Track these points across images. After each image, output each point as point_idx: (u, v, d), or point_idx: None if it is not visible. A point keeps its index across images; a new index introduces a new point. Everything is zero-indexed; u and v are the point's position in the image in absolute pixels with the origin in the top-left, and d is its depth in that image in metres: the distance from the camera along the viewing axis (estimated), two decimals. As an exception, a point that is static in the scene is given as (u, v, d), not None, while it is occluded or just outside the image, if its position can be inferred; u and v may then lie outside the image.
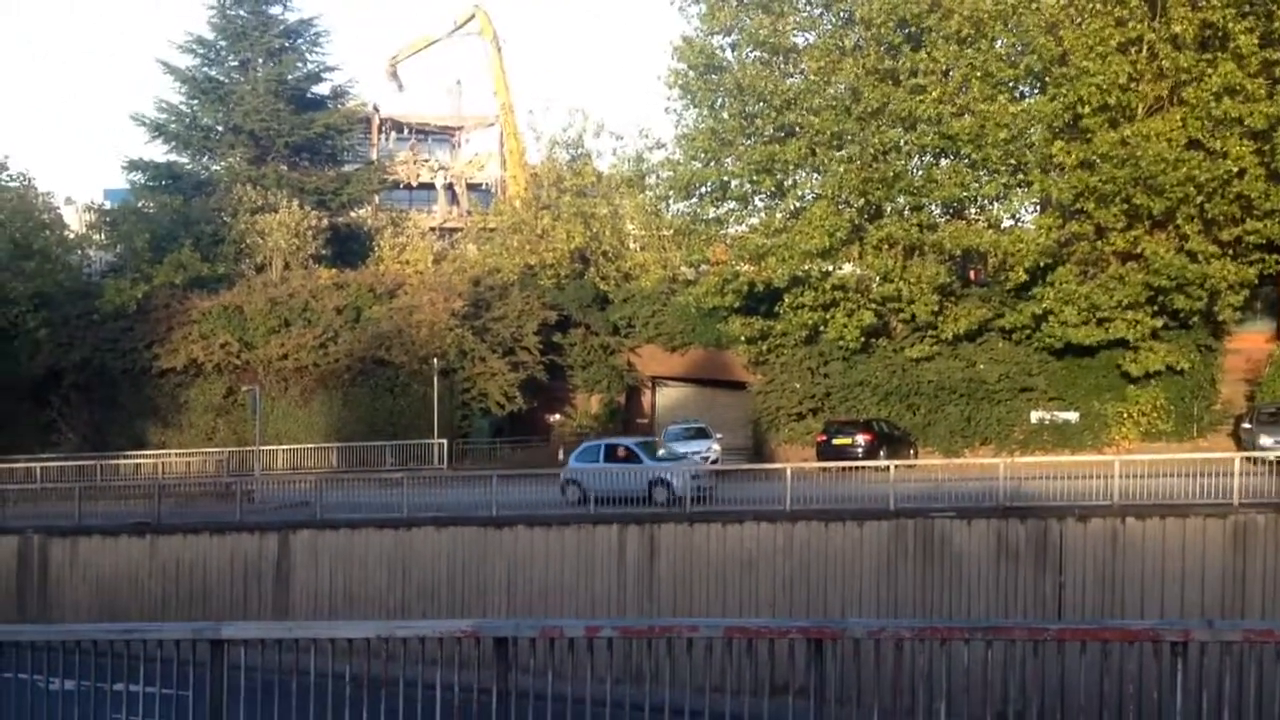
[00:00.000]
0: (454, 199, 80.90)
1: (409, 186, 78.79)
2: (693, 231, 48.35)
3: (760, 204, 47.68)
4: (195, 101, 63.86)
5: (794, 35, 46.05)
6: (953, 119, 41.95)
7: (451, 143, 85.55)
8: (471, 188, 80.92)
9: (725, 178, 46.57)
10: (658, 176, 49.68)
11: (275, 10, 63.73)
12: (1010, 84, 42.81)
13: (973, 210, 45.17)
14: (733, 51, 47.25)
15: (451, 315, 50.37)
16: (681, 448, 41.30)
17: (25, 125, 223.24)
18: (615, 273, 54.09)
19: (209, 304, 51.49)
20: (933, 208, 44.32)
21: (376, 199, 69.53)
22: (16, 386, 50.63)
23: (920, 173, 43.93)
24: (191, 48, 63.60)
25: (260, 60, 63.27)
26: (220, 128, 63.36)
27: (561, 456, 40.30)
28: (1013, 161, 42.51)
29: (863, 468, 34.10)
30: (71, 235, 59.22)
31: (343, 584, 34.04)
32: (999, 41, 42.90)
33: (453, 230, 73.90)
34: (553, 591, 31.96)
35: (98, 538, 35.78)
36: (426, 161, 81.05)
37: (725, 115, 46.32)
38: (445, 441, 46.60)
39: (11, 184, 56.80)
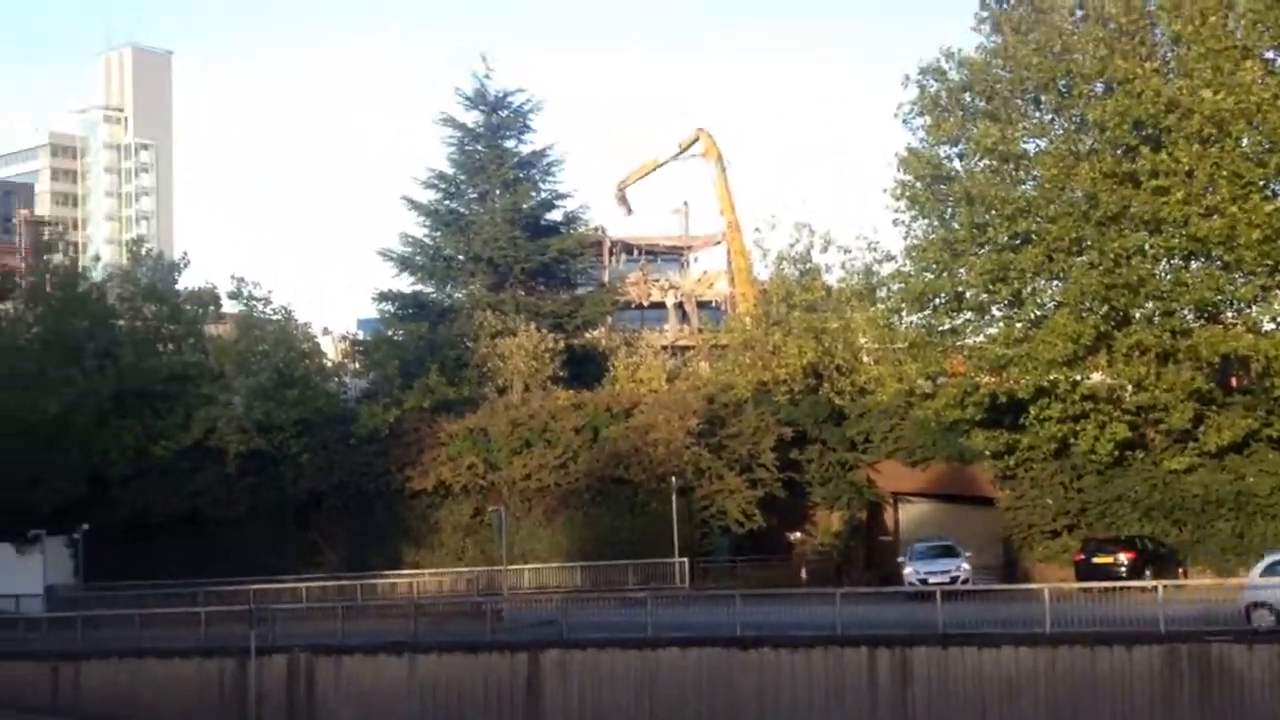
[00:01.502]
0: (684, 317, 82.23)
1: (640, 306, 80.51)
2: (928, 343, 47.70)
3: (998, 313, 46.77)
4: (438, 233, 67.14)
5: (1024, 142, 45.51)
6: (1200, 220, 40.46)
7: (680, 262, 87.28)
8: (701, 305, 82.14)
9: (959, 288, 45.96)
10: (889, 289, 49.44)
11: (510, 144, 66.80)
12: (1261, 183, 41.09)
13: (1229, 313, 43.24)
14: (960, 161, 46.92)
15: (687, 433, 50.88)
16: (926, 567, 40.40)
17: (285, 262, 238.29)
18: (850, 387, 53.76)
19: (455, 427, 53.50)
20: (1185, 312, 42.63)
21: (609, 320, 71.25)
22: (282, 510, 53.48)
23: (1169, 276, 42.46)
24: (433, 183, 67.12)
25: (497, 191, 66.21)
26: (461, 257, 66.31)
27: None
28: (1269, 262, 40.59)
29: (1128, 588, 32.59)
30: (329, 364, 62.63)
31: (591, 704, 34.34)
32: (1244, 140, 41.33)
33: (685, 348, 74.98)
34: (803, 714, 31.46)
35: (360, 656, 37.15)
36: (657, 281, 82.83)
37: (956, 225, 45.89)
38: (686, 560, 46.81)
39: (274, 317, 60.53)
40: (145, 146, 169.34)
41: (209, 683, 38.23)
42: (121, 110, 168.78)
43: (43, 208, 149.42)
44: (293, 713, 36.99)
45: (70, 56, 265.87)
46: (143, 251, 70.33)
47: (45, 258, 71.44)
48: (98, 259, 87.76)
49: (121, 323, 60.84)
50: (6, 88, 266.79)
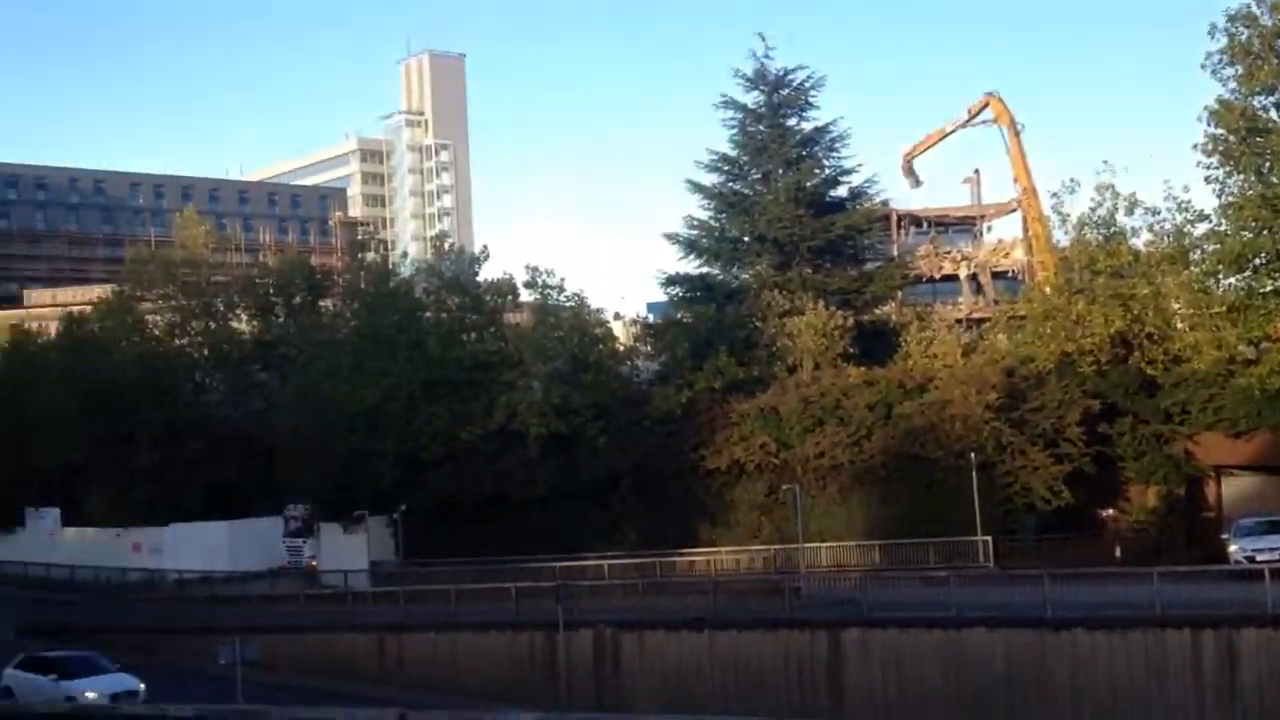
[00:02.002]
0: (978, 289, 79.76)
1: (931, 280, 78.60)
2: (1249, 306, 44.66)
3: (1326, 271, 43.26)
4: (722, 215, 67.39)
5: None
6: None
7: (972, 232, 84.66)
8: (996, 276, 79.47)
9: (1281, 246, 42.73)
10: (1203, 250, 46.53)
11: (792, 122, 66.19)
12: None
13: None
14: (1278, 111, 43.59)
15: (985, 408, 49.38)
16: (1254, 544, 37.78)
17: (577, 249, 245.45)
18: (1162, 356, 50.74)
19: (746, 406, 53.70)
20: None
21: (899, 295, 69.85)
22: (581, 491, 55.10)
23: None
24: (716, 166, 67.36)
25: (780, 170, 65.83)
26: (746, 238, 66.35)
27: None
28: None
29: None
30: (621, 348, 64.07)
31: (895, 683, 33.85)
32: None
33: (979, 321, 72.73)
34: (1122, 700, 30.01)
35: (661, 631, 37.87)
36: (948, 253, 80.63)
37: (1275, 179, 42.69)
38: (989, 539, 45.44)
39: (568, 304, 62.33)
40: (444, 147, 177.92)
41: (520, 655, 39.86)
42: (422, 114, 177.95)
43: (355, 210, 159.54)
44: (600, 684, 38.07)
45: (373, 66, 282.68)
46: (445, 247, 73.81)
47: (360, 257, 76.20)
48: (405, 256, 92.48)
49: (428, 315, 64.02)
50: (320, 99, 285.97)
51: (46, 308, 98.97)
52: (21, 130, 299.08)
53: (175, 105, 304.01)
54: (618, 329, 68.40)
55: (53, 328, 78.55)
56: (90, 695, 34.95)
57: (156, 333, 71.46)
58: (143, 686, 35.94)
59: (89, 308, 76.55)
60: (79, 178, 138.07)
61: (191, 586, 56.57)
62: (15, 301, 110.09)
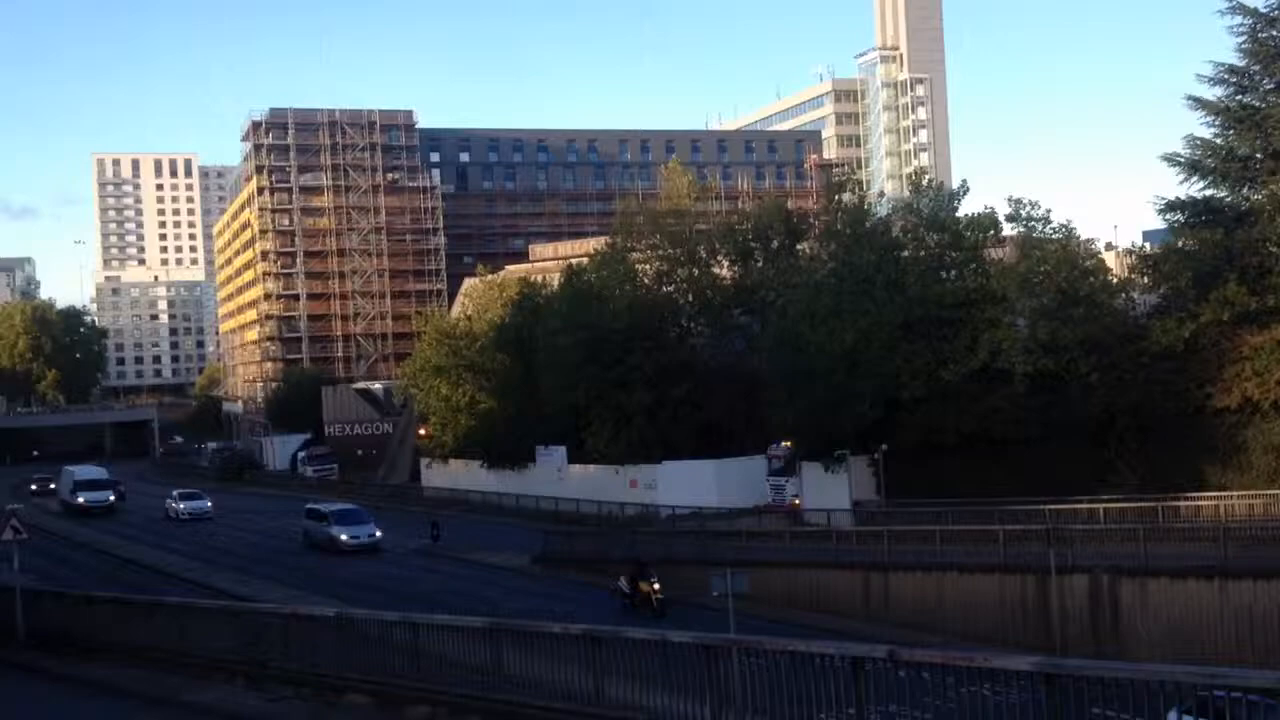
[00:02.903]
0: None
1: None
2: None
3: None
4: (1229, 132, 61.28)
5: None
6: None
7: None
8: None
9: None
10: None
11: (1315, 21, 59.01)
12: None
13: None
14: None
15: None
16: None
17: (1060, 179, 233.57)
18: None
19: (1261, 339, 48.87)
20: None
21: None
22: (1073, 429, 52.44)
23: None
24: (1222, 78, 61.22)
25: (1297, 78, 58.96)
26: (1259, 155, 59.99)
27: None
28: None
29: None
30: (1114, 280, 60.19)
31: None
32: None
33: None
34: None
35: (1165, 579, 35.32)
36: None
37: None
38: None
39: (1054, 236, 59.24)
40: (919, 81, 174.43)
41: (1010, 598, 38.54)
42: (896, 49, 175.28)
43: (830, 151, 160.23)
44: (1097, 631, 36.13)
45: (847, 4, 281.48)
46: (923, 183, 72.27)
47: (836, 198, 76.46)
48: (881, 195, 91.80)
49: (906, 253, 63.07)
50: (794, 42, 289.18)
51: (549, 261, 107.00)
52: (526, 97, 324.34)
53: (660, 60, 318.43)
54: (1110, 260, 64.24)
55: (555, 279, 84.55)
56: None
57: (646, 281, 75.08)
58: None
59: (585, 259, 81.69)
60: (575, 138, 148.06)
61: (683, 521, 59.22)
62: (523, 256, 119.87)
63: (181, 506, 76.49)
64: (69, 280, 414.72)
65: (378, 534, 59.00)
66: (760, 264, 74.96)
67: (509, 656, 22.20)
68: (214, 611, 30.37)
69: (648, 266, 76.26)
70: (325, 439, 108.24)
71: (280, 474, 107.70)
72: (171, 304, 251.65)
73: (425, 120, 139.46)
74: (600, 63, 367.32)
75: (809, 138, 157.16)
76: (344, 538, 57.67)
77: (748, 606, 36.77)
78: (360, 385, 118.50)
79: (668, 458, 66.51)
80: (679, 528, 57.04)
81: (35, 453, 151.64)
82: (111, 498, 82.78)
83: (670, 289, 75.70)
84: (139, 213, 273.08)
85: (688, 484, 63.87)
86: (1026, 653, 29.53)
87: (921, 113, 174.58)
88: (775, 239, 74.72)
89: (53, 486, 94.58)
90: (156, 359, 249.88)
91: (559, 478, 74.22)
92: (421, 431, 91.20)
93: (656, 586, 41.56)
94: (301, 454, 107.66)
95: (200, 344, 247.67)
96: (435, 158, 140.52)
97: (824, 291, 62.57)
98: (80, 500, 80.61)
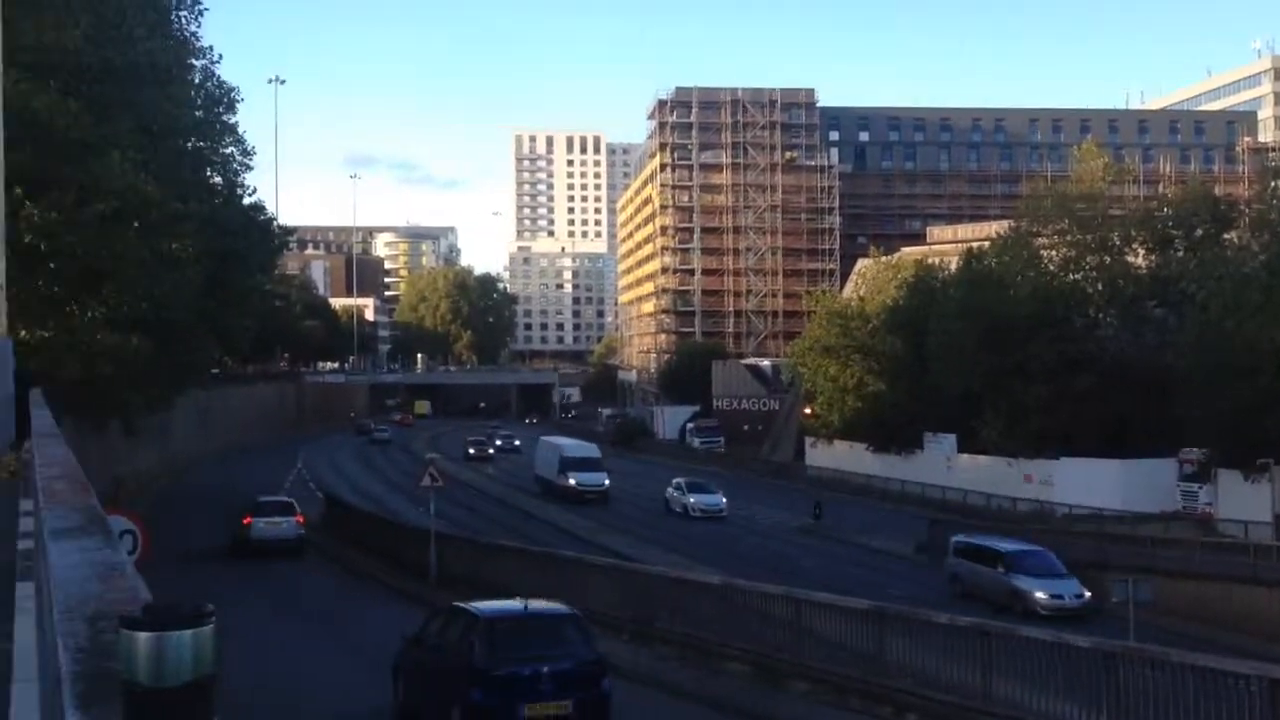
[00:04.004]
0: None
1: None
2: None
3: None
4: None
5: None
6: None
7: None
8: None
9: None
10: None
11: None
12: None
13: None
14: None
15: None
16: None
17: None
18: None
19: None
20: None
21: None
22: None
23: None
24: None
25: None
26: None
27: None
28: None
29: None
30: None
31: None
32: None
33: None
34: None
35: None
36: None
37: None
38: None
39: None
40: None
41: None
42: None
43: (1265, 134, 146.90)
44: None
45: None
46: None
47: (1271, 185, 69.75)
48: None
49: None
50: (1226, 17, 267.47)
51: (947, 244, 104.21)
52: (929, 76, 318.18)
53: (1074, 38, 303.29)
54: None
55: (952, 263, 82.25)
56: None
57: (1051, 267, 71.67)
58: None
59: (986, 244, 78.94)
60: (980, 117, 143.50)
61: (1080, 522, 56.20)
62: (919, 239, 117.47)
63: (692, 500, 61.96)
64: (486, 249, 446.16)
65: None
66: (1180, 253, 69.79)
67: (892, 642, 21.60)
68: (605, 569, 31.44)
69: (1054, 252, 72.72)
70: (713, 412, 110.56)
71: (669, 443, 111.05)
72: (575, 274, 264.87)
73: (825, 99, 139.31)
74: (1008, 38, 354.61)
75: (1242, 119, 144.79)
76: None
77: (1149, 617, 34.32)
78: (749, 361, 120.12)
79: (1066, 453, 63.24)
80: (1074, 528, 54.14)
81: (482, 404, 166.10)
82: (606, 481, 67.02)
83: (1077, 277, 71.82)
84: (550, 186, 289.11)
85: (1087, 483, 60.48)
86: None
87: None
88: (1199, 227, 69.30)
89: (490, 451, 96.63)
90: (559, 326, 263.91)
91: (947, 466, 72.31)
92: (807, 410, 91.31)
93: None
94: (690, 425, 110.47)
95: (600, 313, 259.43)
96: (834, 136, 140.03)
97: (1252, 285, 57.30)
98: (571, 482, 65.45)
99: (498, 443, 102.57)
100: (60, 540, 5.34)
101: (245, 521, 43.57)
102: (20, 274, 24.05)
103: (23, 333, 24.14)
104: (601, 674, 17.32)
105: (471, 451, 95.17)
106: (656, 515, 61.82)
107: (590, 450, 71.35)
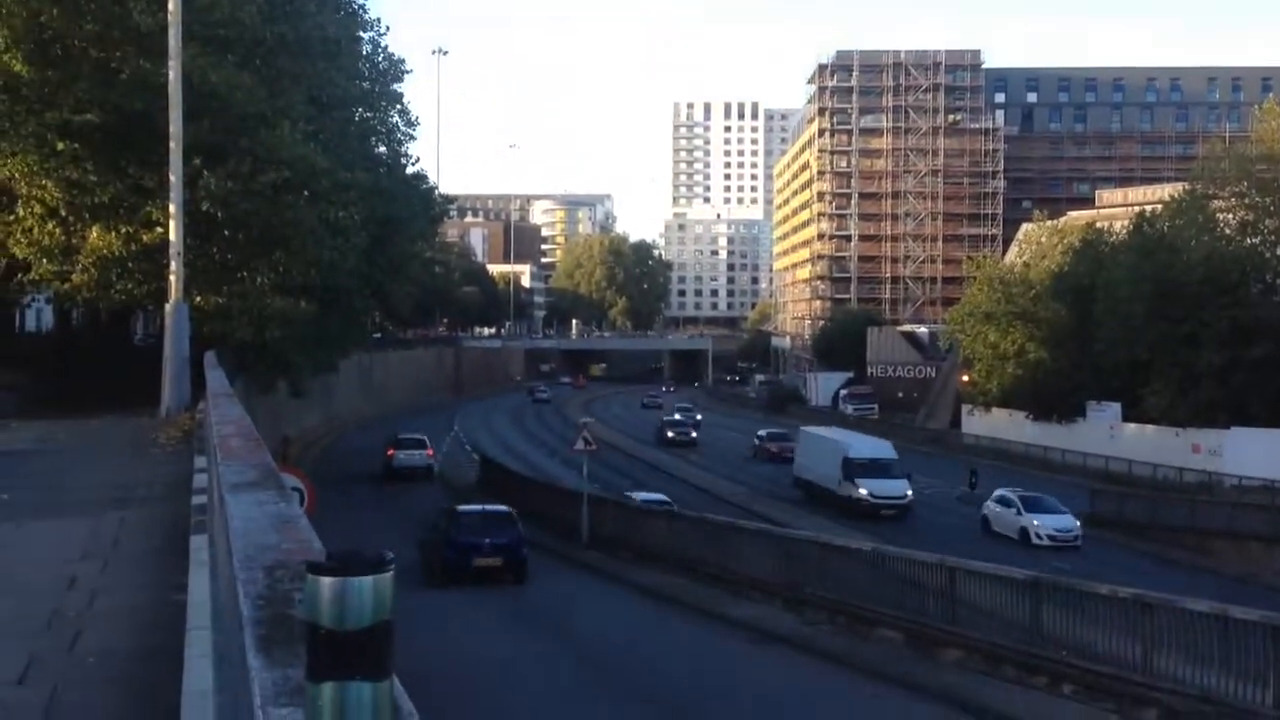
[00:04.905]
0: None
1: None
2: None
3: None
4: None
5: None
6: None
7: None
8: None
9: None
10: None
11: None
12: None
13: None
14: None
15: None
16: None
17: None
18: None
19: None
20: None
21: None
22: None
23: None
24: None
25: None
26: None
27: None
28: None
29: None
30: None
31: None
32: None
33: None
34: None
35: None
36: None
37: None
38: None
39: None
40: None
41: None
42: None
43: None
44: None
45: None
46: None
47: None
48: None
49: None
50: None
51: (1117, 207, 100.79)
52: (1100, 34, 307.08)
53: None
54: None
55: (1121, 227, 79.54)
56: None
57: (1227, 231, 68.76)
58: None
59: (1159, 207, 76.11)
60: (1155, 77, 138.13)
61: (1251, 494, 54.07)
62: (1088, 202, 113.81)
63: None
64: (641, 216, 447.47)
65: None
66: (1366, 216, 66.25)
67: (1049, 613, 21.24)
68: (756, 534, 31.55)
69: (1230, 215, 69.68)
70: (867, 379, 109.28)
71: (821, 409, 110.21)
72: (730, 241, 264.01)
73: (991, 60, 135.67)
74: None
75: None
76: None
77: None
78: (905, 328, 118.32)
79: (1238, 423, 60.79)
80: (1245, 500, 52.15)
81: (656, 365, 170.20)
82: (909, 491, 51.55)
83: (1255, 241, 68.69)
84: (707, 153, 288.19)
85: (1263, 454, 57.98)
86: None
87: None
88: (1387, 188, 65.68)
89: (693, 435, 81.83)
90: (714, 292, 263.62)
91: (1110, 435, 70.19)
92: (965, 378, 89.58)
93: None
94: (843, 391, 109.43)
95: (754, 280, 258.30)
96: (1000, 99, 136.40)
97: None
98: (862, 492, 50.36)
99: (698, 417, 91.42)
100: (237, 494, 5.62)
101: (389, 453, 56.87)
102: (196, 241, 25.18)
103: (198, 298, 25.27)
104: (521, 546, 30.44)
105: (670, 434, 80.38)
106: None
107: (883, 449, 54.44)
